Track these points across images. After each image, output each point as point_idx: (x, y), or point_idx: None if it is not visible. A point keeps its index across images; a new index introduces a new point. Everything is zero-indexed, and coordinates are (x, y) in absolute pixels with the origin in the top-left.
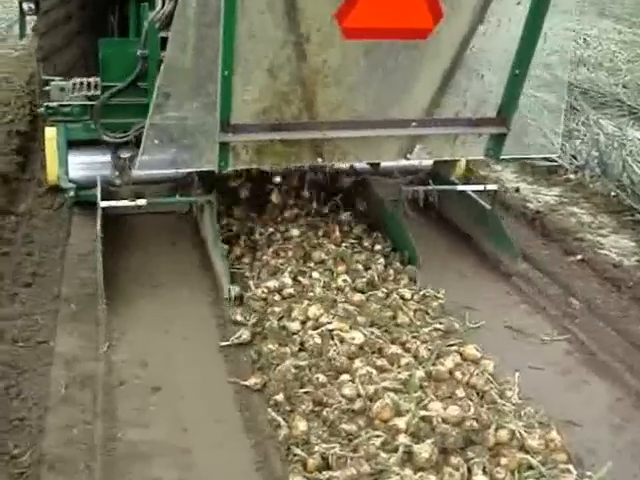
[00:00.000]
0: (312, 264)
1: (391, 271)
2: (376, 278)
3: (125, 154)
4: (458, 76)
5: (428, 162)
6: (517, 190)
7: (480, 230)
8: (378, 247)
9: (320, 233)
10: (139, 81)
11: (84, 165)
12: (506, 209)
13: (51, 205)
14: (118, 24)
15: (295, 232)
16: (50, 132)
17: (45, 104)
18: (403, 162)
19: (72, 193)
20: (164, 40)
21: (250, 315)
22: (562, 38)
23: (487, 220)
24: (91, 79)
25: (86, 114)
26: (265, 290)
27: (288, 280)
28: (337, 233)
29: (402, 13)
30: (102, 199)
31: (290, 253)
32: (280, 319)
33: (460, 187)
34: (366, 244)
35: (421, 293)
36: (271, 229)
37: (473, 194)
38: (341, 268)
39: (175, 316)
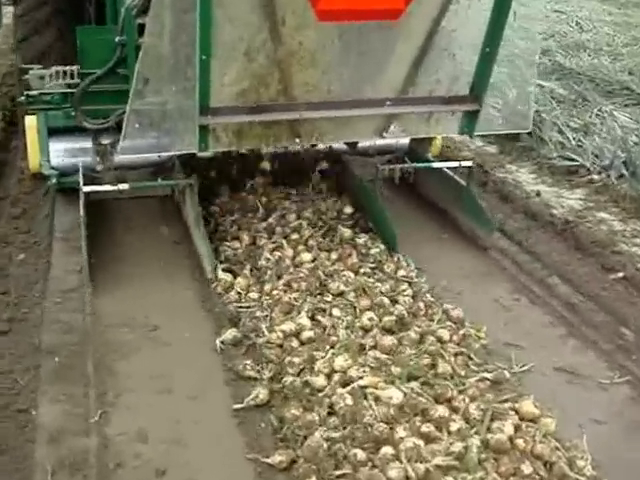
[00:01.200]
0: (330, 297)
1: (421, 304)
2: (406, 314)
3: (106, 140)
4: (431, 55)
5: (404, 141)
6: (538, 194)
7: (458, 207)
8: (402, 273)
9: (334, 256)
10: (118, 68)
11: (66, 152)
12: (531, 217)
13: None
14: (95, 10)
15: (307, 256)
16: (30, 120)
17: (25, 93)
18: (380, 141)
19: (54, 180)
20: (141, 26)
21: (265, 367)
22: (529, 14)
23: (463, 197)
24: (70, 67)
25: (66, 102)
26: (280, 335)
27: (306, 320)
28: (354, 259)
29: None
30: (84, 185)
31: (304, 285)
32: (301, 372)
33: (436, 164)
34: (388, 270)
35: (461, 333)
36: (278, 254)
37: (449, 171)
38: (365, 303)
39: (176, 368)
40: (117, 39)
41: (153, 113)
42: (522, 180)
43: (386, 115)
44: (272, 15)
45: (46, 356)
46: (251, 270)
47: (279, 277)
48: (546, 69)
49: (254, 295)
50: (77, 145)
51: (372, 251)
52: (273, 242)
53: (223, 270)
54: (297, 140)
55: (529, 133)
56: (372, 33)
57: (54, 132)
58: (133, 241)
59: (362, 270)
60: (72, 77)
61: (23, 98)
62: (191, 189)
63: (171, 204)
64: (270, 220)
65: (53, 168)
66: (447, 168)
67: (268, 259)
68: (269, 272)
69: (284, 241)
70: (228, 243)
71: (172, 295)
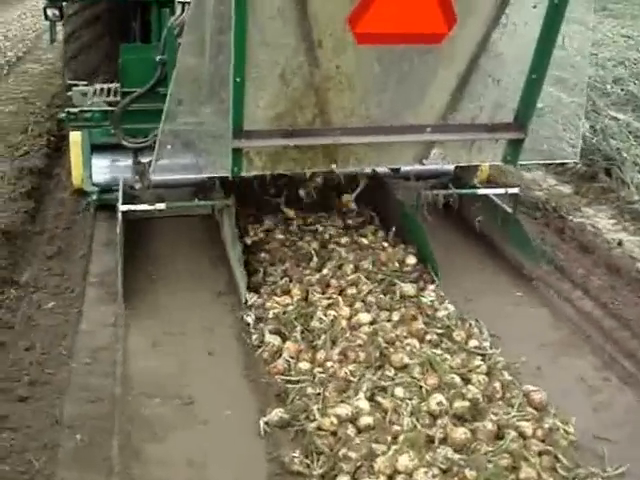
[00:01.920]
0: (392, 371)
1: (497, 384)
2: (480, 398)
3: (145, 159)
4: (474, 81)
5: (450, 166)
6: (620, 244)
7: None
8: (474, 343)
9: (395, 317)
10: (159, 87)
11: (107, 169)
12: (615, 272)
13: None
14: (140, 29)
15: (365, 317)
16: (75, 136)
17: (66, 110)
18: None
19: (95, 196)
20: None
21: (315, 461)
22: (578, 39)
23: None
24: (112, 84)
25: (107, 119)
26: (334, 420)
27: (364, 403)
28: (420, 324)
29: (416, 18)
30: (124, 202)
31: (362, 355)
32: (357, 470)
33: (480, 191)
34: (458, 338)
35: (546, 426)
36: (333, 312)
37: (496, 198)
38: (432, 381)
39: (213, 454)
40: (158, 58)
41: (186, 134)
42: (601, 226)
43: (426, 142)
44: (309, 37)
45: (67, 432)
46: (302, 332)
47: (334, 342)
48: (619, 99)
49: (305, 365)
50: (119, 162)
51: (439, 313)
52: (327, 297)
53: (271, 332)
54: (333, 166)
55: (607, 173)
56: (412, 57)
57: (98, 148)
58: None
59: (428, 337)
60: (114, 95)
61: (64, 115)
62: (229, 210)
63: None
64: (325, 271)
65: (95, 185)
66: (493, 195)
67: (322, 319)
68: (323, 336)
69: (340, 297)
70: (278, 298)
71: (211, 358)
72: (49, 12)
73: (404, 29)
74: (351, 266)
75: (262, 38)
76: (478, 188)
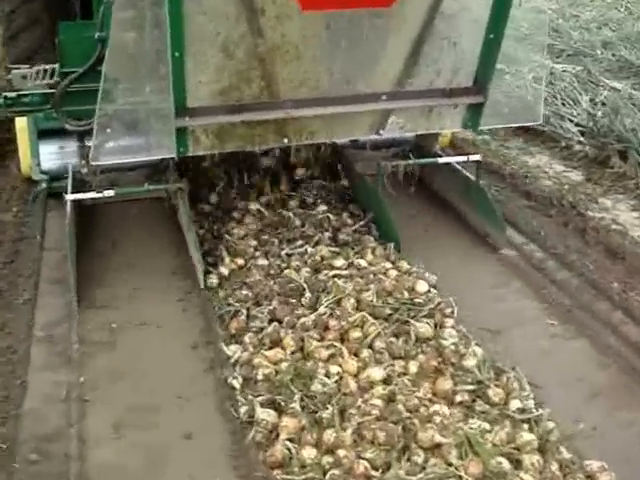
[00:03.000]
0: (421, 456)
1: (554, 466)
2: None
3: (91, 142)
4: (428, 44)
5: (409, 134)
6: None
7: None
8: (516, 404)
9: (413, 368)
10: (99, 65)
11: (56, 155)
12: None
13: None
14: (80, 5)
15: (377, 374)
16: (20, 122)
17: (2, 94)
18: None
19: (44, 185)
20: None
21: None
22: None
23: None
24: (54, 65)
25: (47, 103)
26: None
27: None
28: (447, 383)
29: None
30: (75, 189)
31: (381, 435)
32: None
33: (442, 159)
34: (495, 397)
35: None
36: (337, 368)
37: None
38: (475, 470)
39: None
40: (97, 35)
41: (126, 115)
42: (624, 221)
43: (382, 111)
44: (250, 5)
45: None
46: (301, 399)
47: (342, 413)
48: (612, 66)
49: (310, 453)
50: (67, 148)
51: (467, 362)
52: (328, 346)
53: (263, 405)
54: (285, 140)
55: (623, 157)
56: (363, 21)
57: (45, 134)
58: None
59: (458, 398)
60: (52, 76)
61: (0, 100)
62: (182, 193)
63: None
64: (321, 309)
65: (44, 172)
66: (456, 163)
67: (324, 382)
68: (329, 408)
69: (343, 348)
70: (267, 352)
71: (189, 444)
72: None
73: None
74: (352, 300)
75: (199, 7)
76: (440, 156)
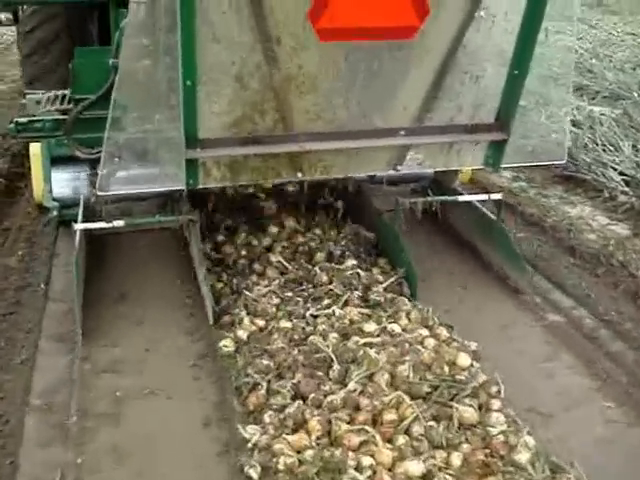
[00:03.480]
0: None
1: None
2: None
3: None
4: (450, 78)
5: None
6: None
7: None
8: None
9: (456, 461)
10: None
11: (68, 182)
12: None
13: None
14: (99, 32)
15: (415, 469)
16: (35, 148)
17: (15, 120)
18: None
19: (55, 212)
20: None
21: None
22: (563, 33)
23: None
24: (66, 91)
25: (59, 129)
26: None
27: None
28: None
29: (384, 10)
30: (86, 218)
31: None
32: None
33: (462, 197)
34: None
35: None
36: (370, 460)
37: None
38: None
39: None
40: (111, 62)
41: (134, 145)
42: None
43: (400, 146)
44: (266, 34)
45: None
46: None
47: None
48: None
49: None
50: (80, 175)
51: (519, 457)
52: (359, 430)
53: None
54: (299, 174)
55: None
56: (382, 54)
57: (59, 161)
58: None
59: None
60: (67, 103)
61: (12, 125)
62: (194, 225)
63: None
64: (351, 385)
65: (56, 200)
66: (477, 201)
67: (355, 478)
68: None
69: (377, 435)
70: (290, 437)
71: None
72: (1, 16)
73: (371, 23)
74: (386, 375)
75: (213, 36)
76: (460, 194)
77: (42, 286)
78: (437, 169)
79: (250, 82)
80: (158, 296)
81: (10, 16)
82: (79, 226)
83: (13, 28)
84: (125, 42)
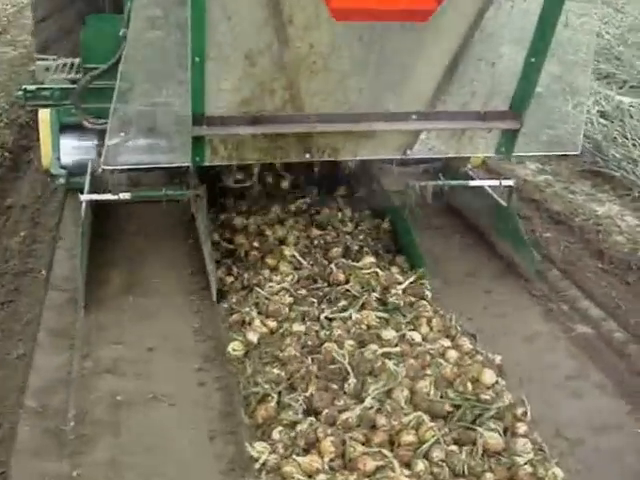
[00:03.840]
0: None
1: None
2: None
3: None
4: (465, 64)
5: None
6: None
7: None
8: None
9: None
10: None
11: (76, 150)
12: None
13: None
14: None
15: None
16: (44, 114)
17: (23, 87)
18: None
19: (63, 180)
20: None
21: None
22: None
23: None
24: (76, 59)
25: (67, 98)
26: None
27: None
28: None
29: None
30: (93, 187)
31: None
32: None
33: (473, 182)
34: None
35: None
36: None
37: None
38: None
39: None
40: (122, 32)
41: (140, 119)
42: None
43: (411, 131)
44: (278, 12)
45: None
46: None
47: None
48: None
49: None
50: (88, 144)
51: None
52: (375, 453)
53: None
54: (307, 156)
55: None
56: (396, 36)
57: (68, 128)
58: None
59: None
60: (76, 71)
61: (20, 92)
62: (200, 200)
63: None
64: (367, 402)
65: (63, 167)
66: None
67: None
68: None
69: (394, 461)
70: (300, 459)
71: None
72: None
73: (387, 5)
74: (405, 392)
75: (224, 12)
76: (471, 178)
77: (43, 272)
78: (448, 155)
79: (260, 60)
80: (165, 287)
81: None
82: (86, 197)
83: None
84: (135, 12)
